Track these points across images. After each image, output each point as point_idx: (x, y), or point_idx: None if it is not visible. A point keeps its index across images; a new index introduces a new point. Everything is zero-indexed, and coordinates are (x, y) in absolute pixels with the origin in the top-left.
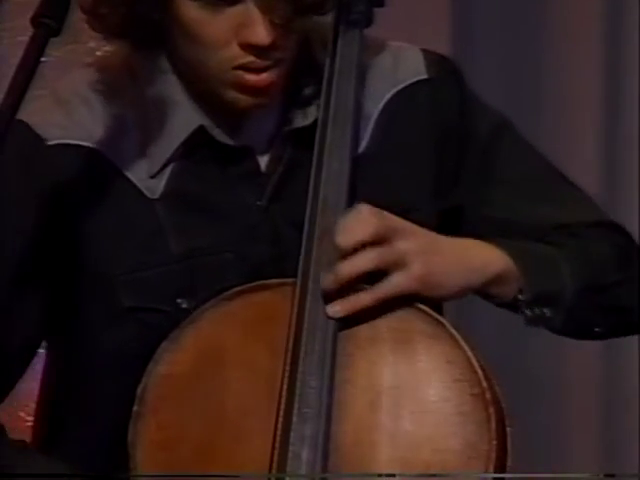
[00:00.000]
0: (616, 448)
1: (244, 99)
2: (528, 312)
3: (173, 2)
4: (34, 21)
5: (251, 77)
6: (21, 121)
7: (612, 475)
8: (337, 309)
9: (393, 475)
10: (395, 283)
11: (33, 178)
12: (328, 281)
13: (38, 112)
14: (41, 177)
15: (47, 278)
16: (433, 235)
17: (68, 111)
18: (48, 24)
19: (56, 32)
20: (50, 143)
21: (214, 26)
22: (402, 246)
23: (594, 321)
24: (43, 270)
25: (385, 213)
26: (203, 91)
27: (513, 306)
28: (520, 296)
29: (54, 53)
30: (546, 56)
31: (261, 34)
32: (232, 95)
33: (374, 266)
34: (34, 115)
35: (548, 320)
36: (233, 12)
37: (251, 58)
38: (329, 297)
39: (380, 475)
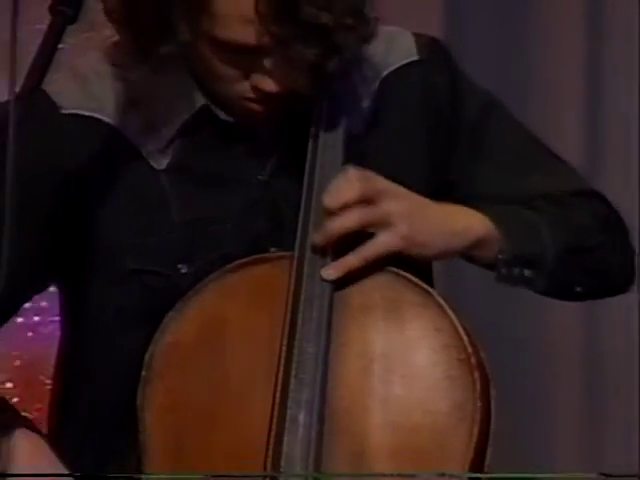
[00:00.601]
0: (598, 408)
1: (248, 113)
2: (505, 271)
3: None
4: (52, 9)
5: (256, 106)
6: (40, 89)
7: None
8: (330, 272)
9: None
10: (381, 242)
11: (46, 141)
12: (317, 238)
13: (56, 82)
14: (54, 142)
15: (59, 234)
16: (419, 198)
17: (83, 84)
18: (65, 12)
19: (72, 20)
20: (65, 112)
21: (231, 65)
22: (387, 207)
23: (575, 282)
24: (56, 225)
25: (372, 175)
26: (212, 95)
27: (498, 268)
28: (500, 255)
29: (71, 40)
30: (532, 42)
31: (270, 85)
32: (239, 104)
33: (359, 224)
34: (52, 84)
35: (529, 281)
36: (245, 62)
37: (252, 96)
38: (321, 257)
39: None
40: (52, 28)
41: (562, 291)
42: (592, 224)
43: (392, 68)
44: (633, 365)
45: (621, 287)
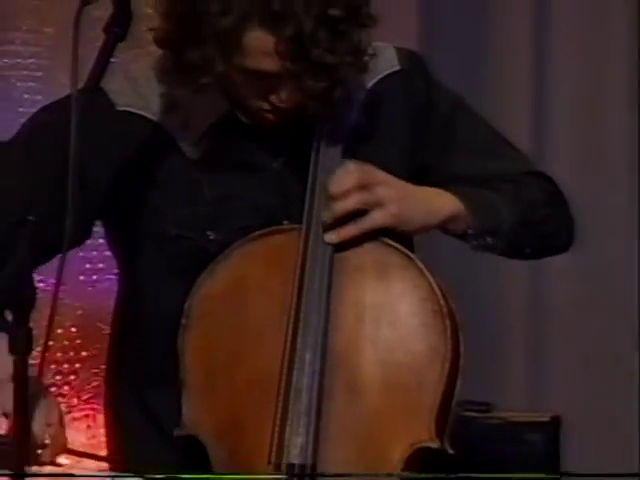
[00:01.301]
0: (541, 349)
1: (265, 122)
2: (474, 242)
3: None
4: (106, 29)
5: (270, 116)
6: (101, 88)
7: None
8: (332, 237)
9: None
10: (375, 217)
11: (103, 131)
12: (326, 217)
13: (112, 83)
14: (109, 131)
15: (117, 204)
16: (404, 184)
17: (134, 86)
18: (116, 32)
19: (122, 38)
20: (119, 109)
21: (254, 87)
22: (380, 192)
23: (526, 245)
24: (113, 197)
25: (368, 167)
26: (236, 105)
27: (464, 237)
28: (469, 230)
29: (121, 55)
30: (489, 51)
31: (284, 104)
32: (257, 114)
33: (357, 206)
34: (109, 84)
35: (491, 246)
36: (265, 84)
37: (270, 108)
38: (326, 230)
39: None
40: (106, 45)
41: (516, 253)
42: (540, 199)
43: (379, 76)
44: (572, 312)
45: (562, 248)
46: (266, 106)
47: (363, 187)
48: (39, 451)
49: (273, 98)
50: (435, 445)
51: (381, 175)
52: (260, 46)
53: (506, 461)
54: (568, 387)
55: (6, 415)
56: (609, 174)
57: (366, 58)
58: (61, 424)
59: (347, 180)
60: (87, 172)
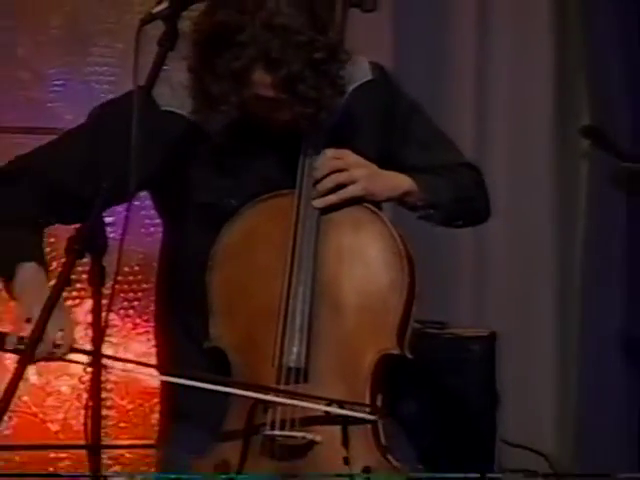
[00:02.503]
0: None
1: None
2: (422, 212)
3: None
4: (159, 43)
5: (275, 126)
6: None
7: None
8: (319, 203)
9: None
10: (350, 190)
11: (149, 125)
12: (314, 194)
13: (158, 87)
14: (153, 126)
15: (162, 180)
16: (373, 166)
17: (173, 91)
18: (166, 44)
19: (170, 49)
20: (162, 109)
21: (259, 108)
22: (354, 172)
23: (458, 218)
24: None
25: (344, 152)
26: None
27: (414, 208)
28: (418, 203)
29: (170, 64)
30: (449, 64)
31: (285, 117)
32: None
33: (337, 184)
34: (156, 89)
35: (431, 217)
36: (270, 105)
37: (274, 121)
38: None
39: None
40: (159, 55)
41: (449, 223)
42: (469, 183)
43: (356, 84)
44: (504, 253)
45: (483, 220)
46: (271, 119)
47: (340, 170)
48: (53, 350)
49: (275, 114)
50: (396, 351)
51: (354, 158)
52: (262, 81)
53: (454, 366)
54: (502, 309)
55: (29, 320)
56: (535, 164)
57: (342, 82)
58: (71, 329)
59: (325, 165)
60: (140, 152)
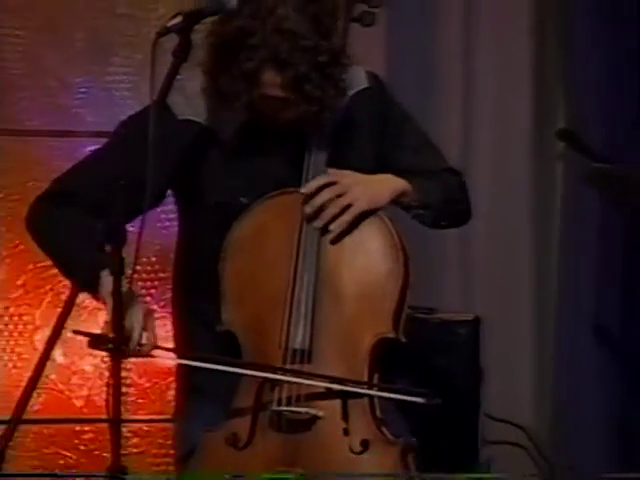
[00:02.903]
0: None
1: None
2: (415, 212)
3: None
4: (173, 54)
5: (281, 124)
6: (166, 103)
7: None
8: (334, 227)
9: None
10: (357, 208)
11: (168, 133)
12: (307, 209)
13: (174, 97)
14: (172, 134)
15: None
16: (367, 177)
17: (188, 100)
18: (180, 55)
19: (184, 60)
20: (179, 118)
21: (267, 107)
22: (354, 192)
23: (444, 218)
24: (177, 174)
25: (338, 175)
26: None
27: (407, 208)
28: (412, 203)
29: (183, 73)
30: (437, 75)
31: (291, 115)
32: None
33: (342, 208)
34: (173, 98)
35: (422, 216)
36: (278, 104)
37: (281, 119)
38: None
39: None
40: (173, 66)
41: (437, 223)
42: (455, 187)
43: (354, 91)
44: (485, 244)
45: (465, 221)
46: (278, 117)
47: (340, 193)
48: (138, 348)
49: (283, 113)
50: (392, 335)
51: (348, 178)
52: (272, 81)
53: (442, 347)
54: (486, 296)
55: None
56: (515, 165)
57: (344, 85)
58: (153, 330)
59: (326, 192)
60: (160, 158)
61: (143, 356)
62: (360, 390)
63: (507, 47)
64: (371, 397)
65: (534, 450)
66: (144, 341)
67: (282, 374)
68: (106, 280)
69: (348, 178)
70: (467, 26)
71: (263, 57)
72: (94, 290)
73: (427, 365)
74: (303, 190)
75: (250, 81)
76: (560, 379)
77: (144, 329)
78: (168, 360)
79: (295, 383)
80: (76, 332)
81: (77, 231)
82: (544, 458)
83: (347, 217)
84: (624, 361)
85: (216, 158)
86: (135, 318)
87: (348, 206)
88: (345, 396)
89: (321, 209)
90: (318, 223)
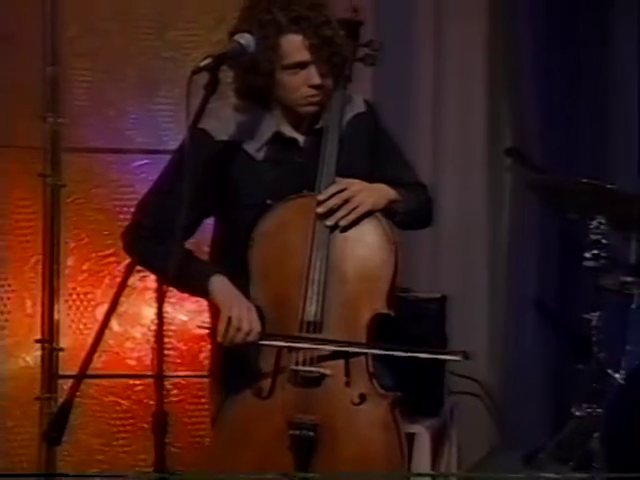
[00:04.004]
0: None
1: (309, 109)
2: (398, 217)
3: (274, 74)
4: (205, 87)
5: (313, 101)
6: (202, 129)
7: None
8: (343, 222)
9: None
10: (362, 208)
11: (208, 152)
12: (319, 209)
13: (209, 123)
14: (211, 153)
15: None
16: (368, 185)
17: (221, 123)
18: (208, 88)
19: (212, 92)
20: (216, 139)
21: (296, 76)
22: (360, 196)
23: (416, 223)
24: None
25: (347, 183)
26: (288, 107)
27: (394, 214)
28: (399, 210)
29: (212, 103)
30: (412, 102)
31: (317, 80)
32: (303, 109)
33: (342, 201)
34: (207, 124)
35: (402, 221)
36: (303, 73)
37: (312, 92)
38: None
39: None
40: (204, 98)
41: (409, 226)
42: (424, 197)
43: (353, 114)
44: (451, 239)
45: (428, 226)
46: (308, 91)
47: (349, 197)
48: (247, 337)
49: (310, 81)
50: (385, 311)
51: (356, 186)
52: (294, 44)
53: (416, 320)
54: (450, 278)
55: (230, 319)
56: (475, 175)
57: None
58: (257, 324)
59: (339, 197)
60: (204, 175)
61: (251, 343)
62: (405, 354)
63: (468, 83)
64: (367, 356)
65: (487, 398)
66: (251, 332)
67: (301, 341)
68: (214, 285)
69: (355, 186)
70: (437, 64)
71: (278, 27)
72: (205, 295)
73: (405, 334)
74: (320, 197)
75: (267, 49)
76: (509, 343)
77: (249, 321)
78: (270, 343)
79: (310, 348)
80: (200, 327)
81: (171, 251)
82: (495, 404)
83: (353, 216)
84: (558, 329)
85: (246, 169)
86: (242, 313)
87: (354, 208)
88: (347, 356)
89: (332, 211)
90: (330, 221)
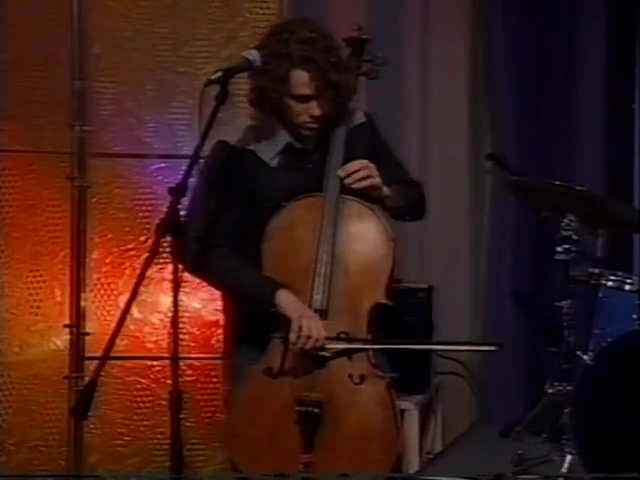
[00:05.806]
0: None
1: (307, 133)
2: (392, 212)
3: (283, 97)
4: (216, 99)
5: (311, 126)
6: (223, 141)
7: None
8: (357, 185)
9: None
10: (373, 180)
11: (231, 160)
12: (341, 171)
13: (227, 133)
14: (234, 160)
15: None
16: None
17: (239, 131)
18: (220, 100)
19: (223, 103)
20: (237, 148)
21: (299, 109)
22: (373, 171)
23: (408, 214)
24: (238, 192)
25: (364, 162)
26: (291, 127)
27: (389, 209)
28: (393, 205)
29: (223, 114)
30: (401, 114)
31: (317, 112)
32: (303, 131)
33: (365, 176)
34: (226, 136)
35: (396, 214)
36: (306, 104)
37: (311, 120)
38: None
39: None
40: (215, 108)
41: (402, 217)
42: (417, 193)
43: (354, 124)
44: (437, 235)
45: (421, 217)
46: (308, 119)
47: (366, 168)
48: (315, 344)
49: (310, 110)
50: (384, 301)
51: (371, 165)
52: (300, 80)
53: (406, 307)
54: (437, 270)
55: (301, 327)
56: (458, 176)
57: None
58: (323, 332)
59: (357, 165)
60: (231, 180)
61: (319, 349)
62: (448, 348)
63: (451, 94)
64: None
65: (469, 378)
66: (320, 339)
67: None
68: (281, 299)
69: (371, 165)
70: (423, 79)
71: (291, 61)
72: (270, 307)
73: (397, 320)
74: (340, 173)
75: (278, 81)
76: (488, 327)
77: (317, 329)
78: (334, 346)
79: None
80: (273, 336)
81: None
82: (475, 383)
83: (366, 183)
84: (532, 315)
85: (263, 175)
86: (310, 322)
87: (369, 176)
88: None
89: (351, 174)
90: (349, 180)
